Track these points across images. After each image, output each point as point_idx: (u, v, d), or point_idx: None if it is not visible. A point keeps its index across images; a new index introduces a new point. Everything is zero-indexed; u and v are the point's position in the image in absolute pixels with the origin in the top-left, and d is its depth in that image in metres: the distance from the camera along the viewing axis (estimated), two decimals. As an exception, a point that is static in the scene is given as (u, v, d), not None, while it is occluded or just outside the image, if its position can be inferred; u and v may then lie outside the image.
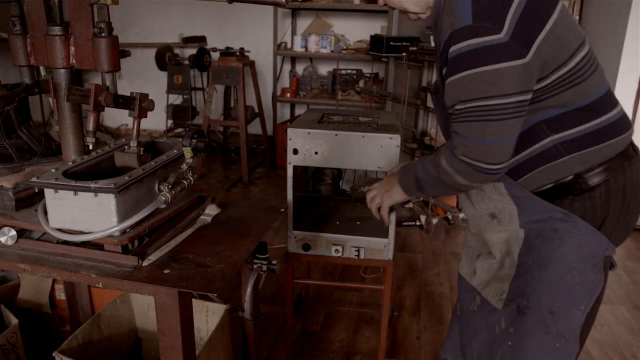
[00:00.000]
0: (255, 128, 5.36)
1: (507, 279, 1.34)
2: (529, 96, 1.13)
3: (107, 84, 1.38)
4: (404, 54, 3.91)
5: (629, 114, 3.82)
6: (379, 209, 1.54)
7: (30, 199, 1.45)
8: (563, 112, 1.18)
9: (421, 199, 4.03)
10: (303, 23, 5.66)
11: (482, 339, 1.41)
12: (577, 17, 4.58)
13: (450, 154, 1.21)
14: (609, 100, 1.23)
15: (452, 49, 1.10)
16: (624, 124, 1.24)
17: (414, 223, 3.88)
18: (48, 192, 1.27)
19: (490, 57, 1.07)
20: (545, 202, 1.23)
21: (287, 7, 1.17)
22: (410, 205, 4.15)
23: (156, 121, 5.89)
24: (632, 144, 1.26)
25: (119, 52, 1.38)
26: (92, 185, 1.22)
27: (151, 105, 1.43)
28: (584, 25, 4.53)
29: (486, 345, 1.39)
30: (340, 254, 1.99)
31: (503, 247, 1.33)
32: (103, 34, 1.33)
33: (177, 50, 5.59)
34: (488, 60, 1.07)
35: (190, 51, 5.42)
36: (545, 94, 1.16)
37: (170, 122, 5.45)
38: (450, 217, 3.92)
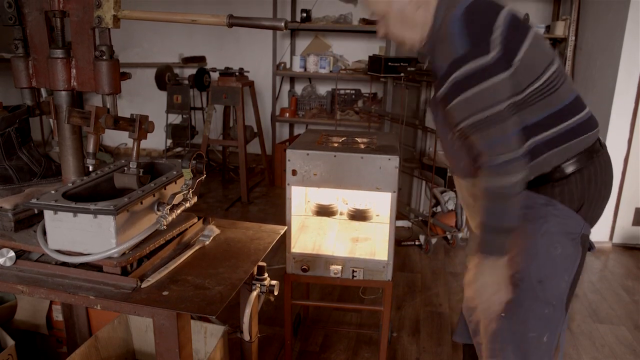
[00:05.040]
0: (254, 147, 5.38)
1: None
2: (520, 96, 1.34)
3: (108, 106, 1.39)
4: (402, 74, 3.94)
5: (626, 133, 3.84)
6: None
7: (29, 220, 1.45)
8: (541, 118, 1.38)
9: (420, 218, 4.03)
10: (302, 43, 5.71)
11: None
12: (574, 38, 4.63)
13: (485, 173, 1.35)
14: (578, 104, 1.44)
15: (452, 77, 1.30)
16: (591, 123, 1.45)
17: (413, 243, 3.88)
18: (47, 214, 1.27)
19: (484, 75, 1.28)
20: (531, 192, 1.42)
21: (285, 30, 1.19)
22: (410, 224, 4.15)
23: (155, 140, 5.91)
24: (598, 140, 1.48)
25: (120, 75, 1.39)
26: (92, 207, 1.22)
27: (151, 127, 1.43)
28: (580, 46, 4.57)
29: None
30: (339, 275, 1.99)
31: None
32: (104, 57, 1.35)
33: (176, 70, 5.63)
34: (482, 79, 1.28)
35: (190, 71, 5.46)
36: (524, 106, 1.36)
37: (169, 141, 5.47)
38: (449, 236, 3.91)
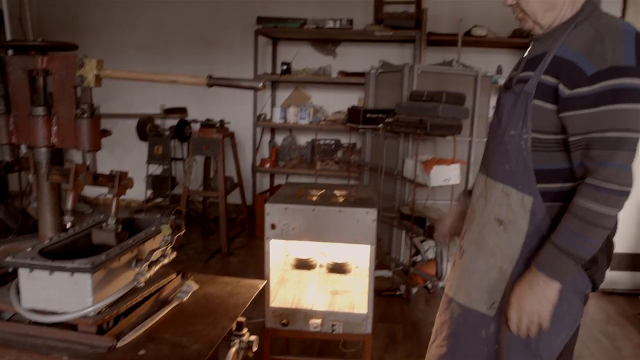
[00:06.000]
0: (234, 197, 5.38)
1: (495, 290, 1.49)
2: None
3: (87, 163, 1.41)
4: (380, 125, 4.03)
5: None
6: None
7: (3, 278, 1.43)
8: None
9: (400, 268, 4.03)
10: (282, 95, 5.81)
11: (468, 344, 1.56)
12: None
13: (587, 193, 1.28)
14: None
15: (611, 81, 1.23)
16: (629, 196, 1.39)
17: (393, 293, 3.86)
18: (22, 272, 1.26)
19: None
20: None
21: (262, 90, 1.22)
22: (390, 274, 4.14)
23: (135, 191, 5.84)
24: None
25: (100, 132, 1.41)
26: (68, 265, 1.22)
27: (130, 183, 1.45)
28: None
29: (471, 345, 1.55)
30: (318, 329, 1.98)
31: (491, 259, 1.49)
32: (85, 115, 1.37)
33: (158, 121, 5.67)
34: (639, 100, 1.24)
35: (171, 122, 5.50)
36: None
37: (149, 192, 5.45)
38: (430, 285, 3.91)
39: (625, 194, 1.27)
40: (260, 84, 1.22)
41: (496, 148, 1.49)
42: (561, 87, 1.31)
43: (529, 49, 1.50)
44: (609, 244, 1.45)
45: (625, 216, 3.83)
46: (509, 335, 1.45)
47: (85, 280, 1.23)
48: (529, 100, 1.37)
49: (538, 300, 1.35)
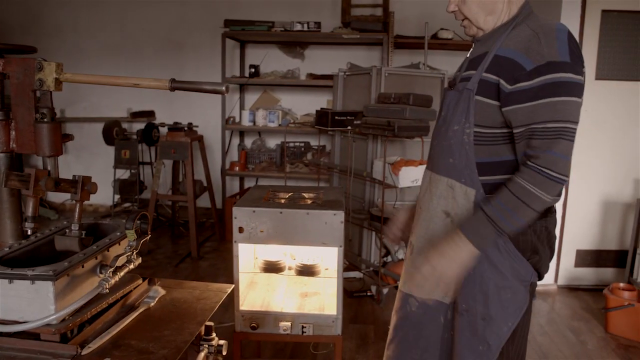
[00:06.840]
0: (204, 201, 5.34)
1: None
2: None
3: (49, 168, 1.38)
4: (348, 127, 4.05)
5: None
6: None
7: (-38, 288, 1.39)
8: None
9: (371, 269, 4.05)
10: (251, 98, 5.80)
11: (429, 331, 1.62)
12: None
13: (529, 172, 1.34)
14: None
15: (549, 75, 1.32)
16: None
17: (365, 293, 3.88)
18: (-19, 281, 1.23)
19: (577, 91, 1.33)
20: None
21: (226, 94, 1.23)
22: (361, 275, 4.16)
23: (103, 196, 5.77)
24: None
25: (62, 137, 1.38)
26: (29, 272, 1.19)
27: (94, 188, 1.42)
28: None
29: (433, 331, 1.62)
30: (288, 332, 1.98)
31: None
32: (45, 120, 1.34)
33: (125, 125, 5.59)
34: (574, 93, 1.32)
35: (139, 126, 5.43)
36: None
37: (117, 197, 5.36)
38: (400, 286, 3.94)
39: (561, 182, 1.32)
40: (224, 88, 1.22)
41: (441, 144, 1.56)
42: (502, 83, 1.39)
43: (471, 50, 1.58)
44: (549, 235, 1.51)
45: (588, 215, 3.95)
46: (459, 322, 1.51)
47: (47, 288, 1.20)
48: (471, 96, 1.45)
49: (450, 258, 1.42)
